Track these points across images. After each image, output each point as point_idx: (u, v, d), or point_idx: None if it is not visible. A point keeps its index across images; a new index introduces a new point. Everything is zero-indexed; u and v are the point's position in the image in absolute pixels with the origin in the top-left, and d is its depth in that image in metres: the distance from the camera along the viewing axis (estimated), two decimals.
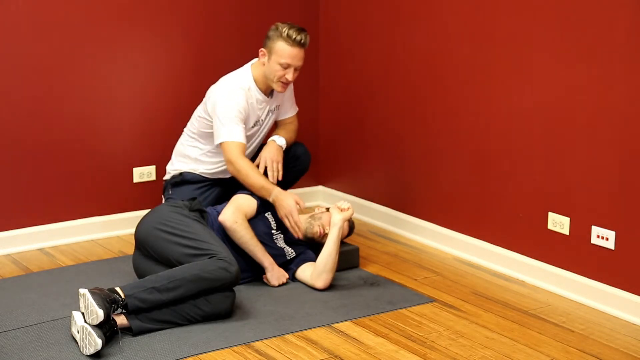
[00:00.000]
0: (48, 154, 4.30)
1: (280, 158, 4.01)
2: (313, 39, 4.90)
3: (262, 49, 3.95)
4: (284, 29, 3.88)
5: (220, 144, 3.90)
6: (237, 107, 3.90)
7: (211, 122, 3.99)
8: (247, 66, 4.04)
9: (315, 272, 3.78)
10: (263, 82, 3.99)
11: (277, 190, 3.80)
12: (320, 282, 3.77)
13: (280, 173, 3.98)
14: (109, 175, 4.48)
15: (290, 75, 3.91)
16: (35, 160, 4.27)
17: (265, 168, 3.96)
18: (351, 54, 4.79)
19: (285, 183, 4.08)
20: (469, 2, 4.07)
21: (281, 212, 3.80)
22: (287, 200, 3.77)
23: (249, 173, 3.82)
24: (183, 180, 4.12)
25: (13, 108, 4.19)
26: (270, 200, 3.81)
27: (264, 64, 3.95)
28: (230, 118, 3.88)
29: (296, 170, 4.22)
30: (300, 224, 3.79)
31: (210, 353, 3.20)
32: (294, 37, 3.86)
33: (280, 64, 3.88)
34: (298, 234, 3.81)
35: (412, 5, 4.37)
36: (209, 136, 4.05)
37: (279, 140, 4.06)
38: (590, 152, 3.63)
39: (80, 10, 4.27)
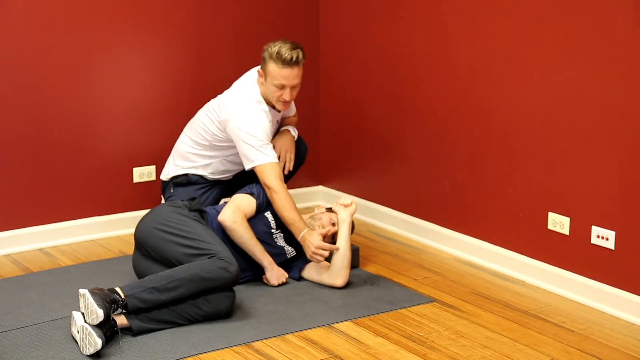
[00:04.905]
0: (48, 154, 4.30)
1: (293, 148, 4.08)
2: (313, 40, 4.91)
3: (260, 69, 3.91)
4: (274, 50, 3.79)
5: (255, 167, 3.86)
6: (264, 128, 3.87)
7: (225, 136, 3.98)
8: (254, 81, 3.96)
9: (333, 271, 3.79)
10: (268, 99, 3.96)
11: (307, 231, 3.79)
12: (340, 279, 3.79)
13: (292, 163, 4.06)
14: (109, 175, 4.48)
15: (287, 95, 3.85)
16: (35, 160, 4.27)
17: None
18: (351, 54, 4.79)
19: (286, 176, 4.08)
20: (469, 2, 4.07)
21: (308, 253, 3.78)
22: (313, 240, 3.76)
23: (285, 206, 3.79)
24: (188, 182, 4.14)
25: (13, 108, 4.19)
26: (299, 239, 3.80)
27: (262, 84, 3.91)
28: (261, 140, 3.84)
29: (296, 163, 4.24)
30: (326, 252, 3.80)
31: (210, 353, 3.20)
32: (283, 57, 3.77)
33: (275, 85, 3.83)
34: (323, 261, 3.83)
35: (412, 5, 4.37)
36: (224, 149, 4.06)
37: (293, 131, 4.11)
38: (590, 151, 3.63)
39: (80, 11, 4.26)
